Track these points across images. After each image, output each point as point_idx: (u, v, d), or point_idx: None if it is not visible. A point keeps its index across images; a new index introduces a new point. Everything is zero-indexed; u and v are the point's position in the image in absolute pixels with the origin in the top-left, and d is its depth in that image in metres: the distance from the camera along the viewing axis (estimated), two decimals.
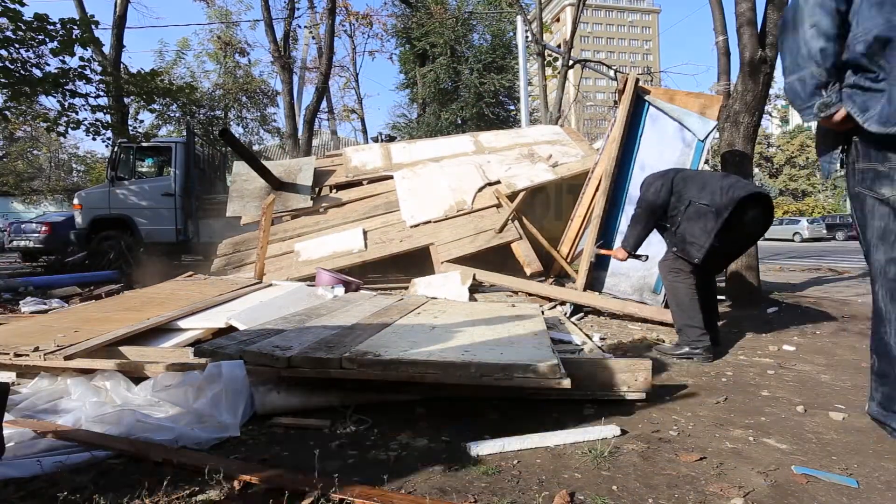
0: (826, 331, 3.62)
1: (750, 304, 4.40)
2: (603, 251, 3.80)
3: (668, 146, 4.15)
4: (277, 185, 5.64)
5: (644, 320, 3.81)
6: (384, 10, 23.18)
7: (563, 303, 4.17)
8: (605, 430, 1.79)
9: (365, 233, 5.16)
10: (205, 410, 1.84)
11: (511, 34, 19.31)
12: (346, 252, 4.99)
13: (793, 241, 25.60)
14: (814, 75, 1.72)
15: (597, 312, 4.22)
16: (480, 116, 19.39)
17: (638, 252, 3.19)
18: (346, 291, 4.01)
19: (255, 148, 20.32)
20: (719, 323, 3.34)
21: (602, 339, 3.37)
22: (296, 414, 1.97)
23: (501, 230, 4.93)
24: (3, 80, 6.43)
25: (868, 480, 1.49)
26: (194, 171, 8.56)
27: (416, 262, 5.27)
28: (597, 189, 4.52)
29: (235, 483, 1.39)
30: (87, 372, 2.23)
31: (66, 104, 7.45)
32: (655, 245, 3.34)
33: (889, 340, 1.74)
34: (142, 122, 15.73)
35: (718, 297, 4.70)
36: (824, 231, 25.95)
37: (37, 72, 7.02)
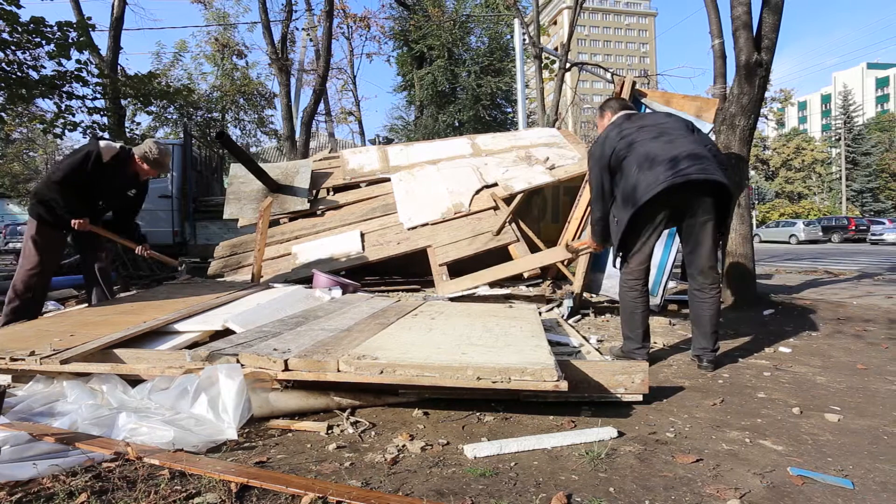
0: (822, 333, 3.63)
1: (746, 306, 4.41)
2: (575, 245, 3.46)
3: None
4: (275, 187, 5.63)
5: None
6: (382, 12, 23.15)
7: (559, 304, 4.18)
8: (601, 432, 1.79)
9: (362, 235, 5.15)
10: (201, 413, 1.83)
11: (508, 37, 19.36)
12: (344, 254, 4.98)
13: (789, 243, 25.72)
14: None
15: (594, 314, 4.23)
16: (478, 119, 19.42)
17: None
18: (343, 294, 4.01)
19: (253, 150, 20.28)
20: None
21: (599, 341, 3.37)
22: (293, 416, 1.97)
23: (499, 232, 4.94)
24: None
25: (863, 482, 1.50)
26: (191, 173, 8.55)
27: (414, 264, 5.26)
28: None
29: (232, 486, 1.39)
30: (84, 375, 2.22)
31: (63, 106, 7.43)
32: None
33: None
34: (139, 124, 15.72)
35: None
36: (820, 233, 26.07)
37: (33, 74, 7.01)
